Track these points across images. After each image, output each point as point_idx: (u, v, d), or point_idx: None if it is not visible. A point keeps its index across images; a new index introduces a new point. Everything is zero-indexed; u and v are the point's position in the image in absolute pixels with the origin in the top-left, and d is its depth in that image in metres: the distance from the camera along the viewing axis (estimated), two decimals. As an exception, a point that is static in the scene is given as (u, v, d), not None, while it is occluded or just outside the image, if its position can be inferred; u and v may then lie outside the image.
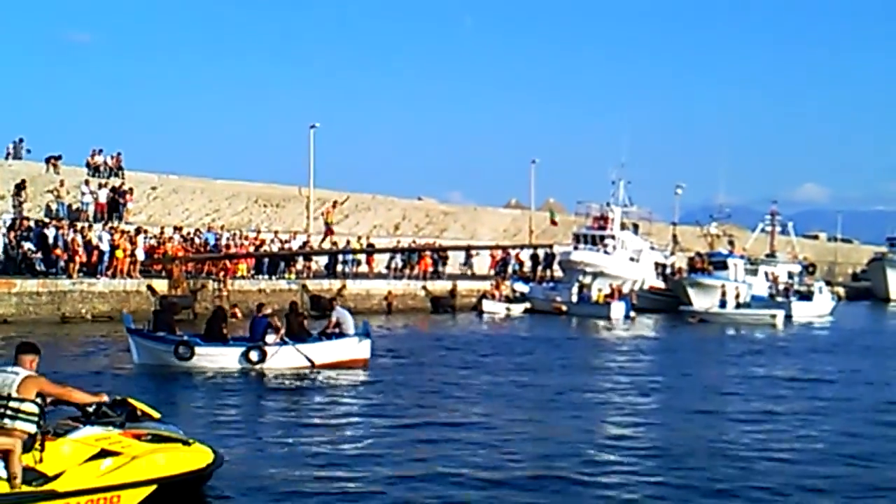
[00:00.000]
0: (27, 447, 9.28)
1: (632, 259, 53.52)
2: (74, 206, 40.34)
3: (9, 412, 9.25)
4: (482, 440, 14.81)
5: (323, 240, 49.21)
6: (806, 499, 11.96)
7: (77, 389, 10.03)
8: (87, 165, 44.57)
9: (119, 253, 35.68)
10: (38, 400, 9.42)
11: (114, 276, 35.32)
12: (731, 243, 60.28)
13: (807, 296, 55.32)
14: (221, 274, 38.56)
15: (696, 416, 17.94)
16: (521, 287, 51.01)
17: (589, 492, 11.91)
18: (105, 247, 35.45)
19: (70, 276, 33.92)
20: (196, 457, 10.62)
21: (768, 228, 67.89)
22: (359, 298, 43.12)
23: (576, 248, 52.97)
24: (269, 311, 23.95)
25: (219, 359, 22.12)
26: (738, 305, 48.65)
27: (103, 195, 40.96)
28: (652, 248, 56.97)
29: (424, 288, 47.87)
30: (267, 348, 22.18)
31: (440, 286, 48.77)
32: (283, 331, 22.69)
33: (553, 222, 65.53)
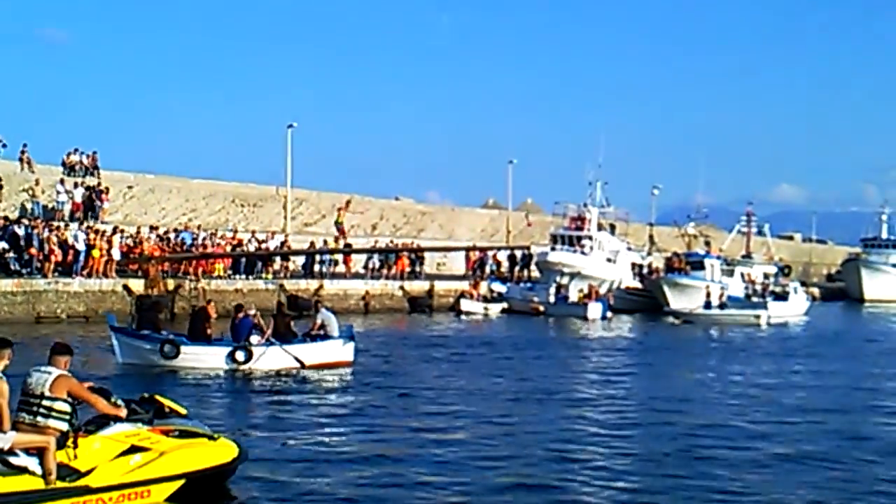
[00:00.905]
0: (60, 444, 9.53)
1: (609, 259, 53.69)
2: (50, 206, 39.94)
3: (42, 410, 9.56)
4: (462, 441, 14.86)
5: (336, 241, 48.86)
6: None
7: (101, 398, 10.30)
8: (63, 164, 44.22)
9: (95, 252, 35.27)
10: (70, 399, 9.70)
11: (89, 275, 34.90)
12: (707, 244, 60.70)
13: (782, 296, 55.77)
14: (200, 272, 38.30)
15: (675, 417, 17.81)
16: (499, 287, 51.01)
17: (563, 495, 11.87)
18: (81, 246, 35.02)
19: (45, 276, 33.47)
20: (222, 451, 10.96)
21: (744, 229, 68.43)
22: (336, 298, 42.86)
23: (553, 248, 53.01)
24: (252, 311, 23.74)
25: (205, 358, 21.93)
26: (721, 306, 48.90)
27: (79, 194, 40.60)
28: (629, 249, 57.23)
29: (402, 288, 47.73)
30: (253, 349, 22.00)
31: (417, 286, 48.68)
32: (269, 331, 22.53)
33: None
